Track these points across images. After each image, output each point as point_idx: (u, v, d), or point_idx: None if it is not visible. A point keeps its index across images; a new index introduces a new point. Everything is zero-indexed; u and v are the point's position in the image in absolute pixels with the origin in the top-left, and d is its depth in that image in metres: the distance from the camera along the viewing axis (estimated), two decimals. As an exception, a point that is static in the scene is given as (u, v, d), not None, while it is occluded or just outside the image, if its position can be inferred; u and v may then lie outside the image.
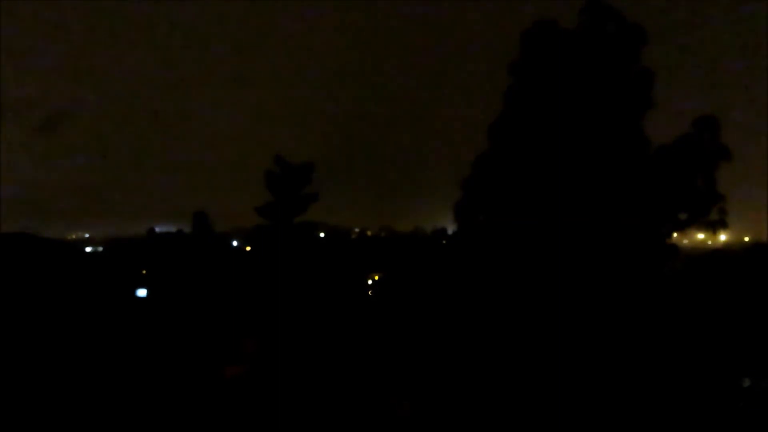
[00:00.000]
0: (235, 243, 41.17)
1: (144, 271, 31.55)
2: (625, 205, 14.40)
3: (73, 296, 23.13)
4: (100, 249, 48.92)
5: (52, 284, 23.67)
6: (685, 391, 12.57)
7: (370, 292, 28.80)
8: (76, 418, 11.11)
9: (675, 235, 15.40)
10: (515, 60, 15.19)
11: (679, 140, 14.89)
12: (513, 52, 15.26)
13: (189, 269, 27.15)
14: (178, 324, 19.15)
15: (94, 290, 25.39)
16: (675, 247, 15.33)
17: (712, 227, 14.94)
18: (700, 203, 14.72)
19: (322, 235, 36.23)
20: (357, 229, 62.87)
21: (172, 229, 38.37)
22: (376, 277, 30.09)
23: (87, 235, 72.29)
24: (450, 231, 23.74)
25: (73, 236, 70.34)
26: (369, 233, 64.29)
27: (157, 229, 40.58)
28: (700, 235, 19.96)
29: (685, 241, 21.06)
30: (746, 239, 44.39)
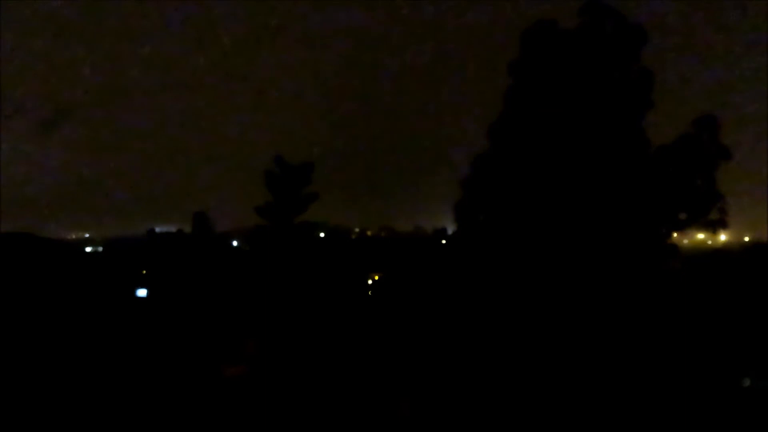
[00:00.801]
0: (235, 243, 41.22)
1: (144, 271, 31.57)
2: (625, 205, 14.40)
3: (73, 296, 23.15)
4: (100, 249, 48.95)
5: (52, 284, 23.69)
6: (686, 390, 12.57)
7: (370, 292, 28.80)
8: (76, 418, 11.12)
9: (675, 235, 15.40)
10: (515, 60, 15.19)
11: (679, 140, 14.88)
12: (513, 52, 15.27)
13: (189, 269, 27.17)
14: (178, 324, 19.17)
15: (94, 290, 25.41)
16: (675, 247, 15.32)
17: (712, 227, 14.93)
18: (700, 203, 14.71)
19: (322, 235, 36.27)
20: (357, 229, 62.91)
21: (172, 229, 38.44)
22: (376, 277, 30.10)
23: (87, 235, 72.36)
24: (450, 231, 23.74)
25: (73, 236, 70.42)
26: (369, 233, 64.32)
27: (157, 229, 40.65)
28: (700, 235, 19.98)
29: (685, 241, 21.07)
30: (746, 239, 44.44)
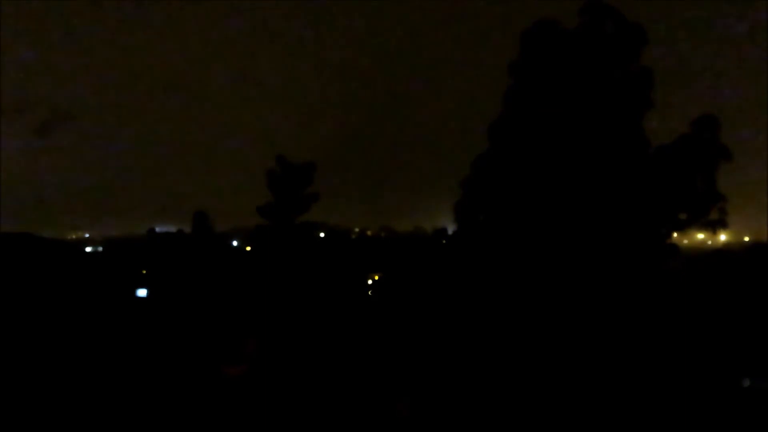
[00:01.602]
0: (235, 243, 41.23)
1: (144, 271, 31.57)
2: (625, 205, 14.40)
3: (73, 296, 23.16)
4: (100, 249, 48.96)
5: (52, 284, 23.69)
6: (686, 390, 12.57)
7: (370, 292, 28.80)
8: (76, 418, 11.13)
9: (675, 235, 15.40)
10: (515, 60, 15.19)
11: (679, 140, 14.89)
12: (513, 52, 15.28)
13: (189, 269, 27.18)
14: (178, 324, 19.16)
15: (94, 290, 25.41)
16: (675, 247, 15.33)
17: (712, 227, 14.93)
18: (700, 203, 14.71)
19: (322, 235, 36.27)
20: (357, 229, 62.89)
21: (172, 229, 38.45)
22: (376, 277, 30.09)
23: (87, 235, 72.37)
24: (450, 231, 23.75)
25: (73, 236, 70.42)
26: (369, 233, 64.32)
27: (157, 229, 40.65)
28: (700, 235, 19.98)
29: (685, 241, 21.07)
30: (746, 239, 44.45)
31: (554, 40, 14.84)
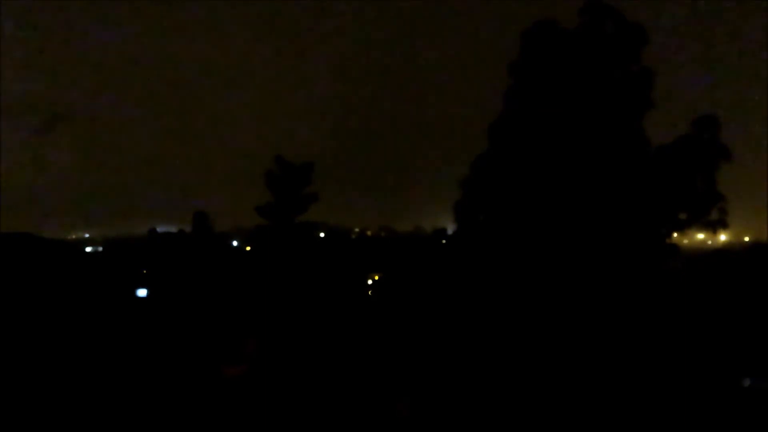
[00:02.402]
0: (235, 243, 41.23)
1: (144, 271, 31.57)
2: (625, 205, 14.40)
3: (73, 296, 23.15)
4: (100, 249, 48.94)
5: (52, 284, 23.69)
6: (686, 390, 12.57)
7: (370, 292, 28.80)
8: (76, 418, 11.12)
9: (675, 235, 15.39)
10: (515, 60, 15.19)
11: (679, 140, 14.88)
12: (513, 52, 15.27)
13: (189, 269, 27.18)
14: (178, 324, 19.15)
15: (94, 290, 25.41)
16: (675, 247, 15.32)
17: (712, 227, 14.93)
18: (700, 203, 14.71)
19: (322, 235, 36.27)
20: (357, 229, 62.86)
21: (173, 229, 38.45)
22: (376, 277, 30.09)
23: (87, 235, 72.31)
24: (450, 231, 23.75)
25: (73, 236, 70.37)
26: (369, 233, 64.30)
27: (159, 230, 40.65)
28: (700, 235, 19.99)
29: (685, 241, 21.07)
30: (746, 239, 44.46)
31: (554, 40, 14.84)
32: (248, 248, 34.55)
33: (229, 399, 4.73)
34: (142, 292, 28.60)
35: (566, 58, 14.73)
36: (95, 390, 12.46)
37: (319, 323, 18.27)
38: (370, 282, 29.96)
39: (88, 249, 48.51)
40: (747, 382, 12.75)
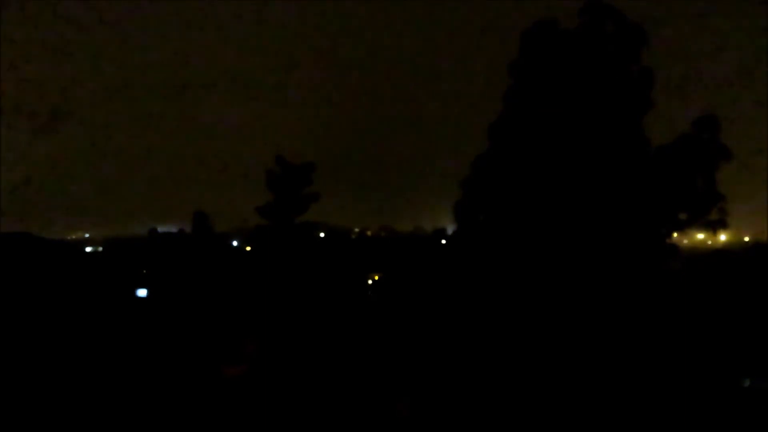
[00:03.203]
0: (235, 243, 41.22)
1: (144, 271, 31.58)
2: (625, 205, 14.40)
3: (73, 296, 23.15)
4: (100, 249, 48.93)
5: (52, 284, 23.69)
6: (686, 390, 12.57)
7: (370, 292, 28.80)
8: (76, 418, 11.12)
9: (675, 235, 15.39)
10: (515, 60, 15.19)
11: (679, 140, 14.88)
12: (513, 52, 15.27)
13: (189, 269, 27.19)
14: (178, 324, 19.16)
15: (94, 290, 25.41)
16: (675, 247, 15.32)
17: (712, 227, 14.93)
18: (700, 203, 14.71)
19: (322, 235, 36.27)
20: (357, 229, 62.87)
21: (173, 229, 38.47)
22: (376, 277, 30.10)
23: (87, 235, 72.24)
24: (450, 231, 23.75)
25: (73, 236, 70.31)
26: (369, 233, 64.30)
27: (159, 230, 40.65)
28: (700, 235, 19.98)
29: (685, 241, 21.06)
30: (746, 239, 44.45)
31: (554, 40, 14.84)
32: (248, 248, 34.55)
33: (229, 399, 4.73)
34: (142, 292, 28.61)
35: (566, 58, 14.73)
36: (96, 390, 12.46)
37: (319, 323, 18.28)
38: (370, 282, 29.97)
39: (88, 249, 48.50)
40: (747, 382, 12.75)
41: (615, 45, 14.67)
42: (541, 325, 13.96)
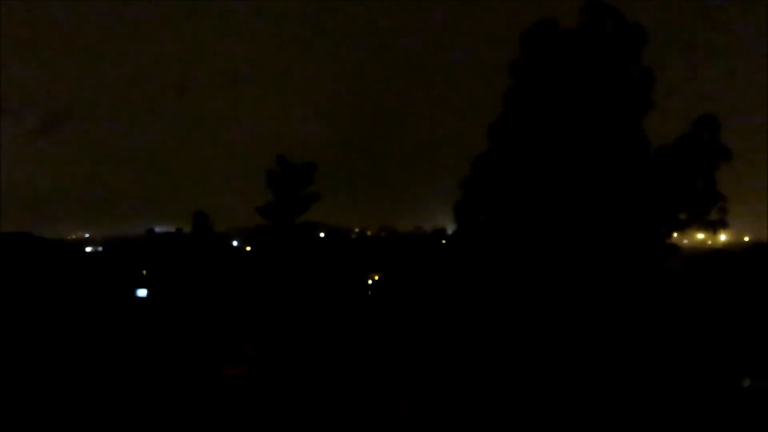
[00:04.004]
0: (235, 243, 41.21)
1: (144, 271, 31.58)
2: (625, 205, 14.40)
3: (73, 296, 23.15)
4: (100, 249, 48.93)
5: (52, 284, 23.69)
6: (686, 390, 12.57)
7: (370, 292, 28.80)
8: (76, 418, 11.12)
9: (675, 235, 15.39)
10: (515, 60, 15.19)
11: (679, 140, 14.88)
12: (513, 52, 15.27)
13: (189, 269, 27.18)
14: (177, 324, 19.16)
15: (94, 290, 25.41)
16: (675, 247, 15.32)
17: (712, 227, 14.93)
18: (700, 203, 14.71)
19: (322, 235, 36.27)
20: (357, 229, 62.82)
21: (172, 229, 38.47)
22: (376, 277, 30.10)
23: (87, 235, 72.26)
24: (450, 231, 23.75)
25: (73, 236, 70.32)
26: (369, 233, 64.23)
27: (157, 230, 40.67)
28: (700, 235, 19.98)
29: (685, 241, 21.06)
30: (746, 239, 44.44)
31: (554, 40, 14.84)
32: (248, 248, 34.54)
33: (229, 399, 4.71)
34: (142, 292, 28.61)
35: (566, 58, 14.73)
36: (95, 390, 12.46)
37: (319, 323, 18.28)
38: (370, 282, 29.96)
39: (88, 249, 48.49)
40: (747, 382, 12.74)
41: (615, 45, 14.67)
42: (542, 325, 13.96)
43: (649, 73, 14.74)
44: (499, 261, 15.00)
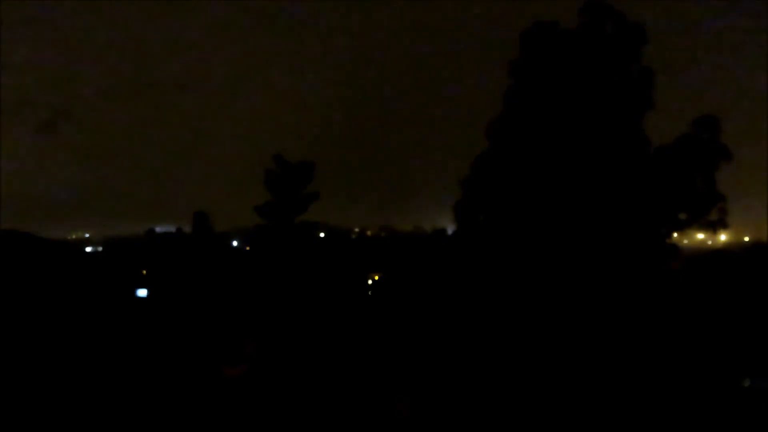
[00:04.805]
0: (235, 243, 41.20)
1: (144, 271, 31.56)
2: (625, 205, 14.40)
3: (73, 296, 23.15)
4: (100, 249, 48.92)
5: (52, 284, 23.69)
6: (686, 391, 12.57)
7: (370, 292, 28.78)
8: (76, 418, 11.12)
9: (675, 235, 15.40)
10: (515, 60, 15.19)
11: (679, 140, 14.89)
12: (513, 52, 15.28)
13: (189, 269, 27.17)
14: (177, 324, 19.15)
15: (94, 290, 25.41)
16: (675, 247, 15.32)
17: (712, 227, 14.94)
18: (700, 203, 14.71)
19: (322, 235, 36.28)
20: (357, 229, 62.83)
21: (172, 229, 38.44)
22: (376, 277, 30.08)
23: (87, 235, 72.29)
24: (450, 231, 23.75)
25: (73, 236, 70.35)
26: (369, 233, 64.24)
27: (157, 230, 40.66)
28: (700, 235, 19.99)
29: (685, 241, 21.07)
30: (746, 239, 44.45)
31: (554, 41, 14.84)
32: (248, 248, 34.54)
33: (229, 399, 4.71)
34: (142, 292, 28.59)
35: (566, 58, 14.73)
36: (95, 390, 12.46)
37: (319, 323, 18.27)
38: (370, 282, 29.95)
39: (88, 249, 48.49)
40: (747, 382, 12.74)
41: (615, 45, 14.66)
42: (542, 324, 13.96)
43: (649, 73, 14.75)
44: (499, 261, 15.00)
